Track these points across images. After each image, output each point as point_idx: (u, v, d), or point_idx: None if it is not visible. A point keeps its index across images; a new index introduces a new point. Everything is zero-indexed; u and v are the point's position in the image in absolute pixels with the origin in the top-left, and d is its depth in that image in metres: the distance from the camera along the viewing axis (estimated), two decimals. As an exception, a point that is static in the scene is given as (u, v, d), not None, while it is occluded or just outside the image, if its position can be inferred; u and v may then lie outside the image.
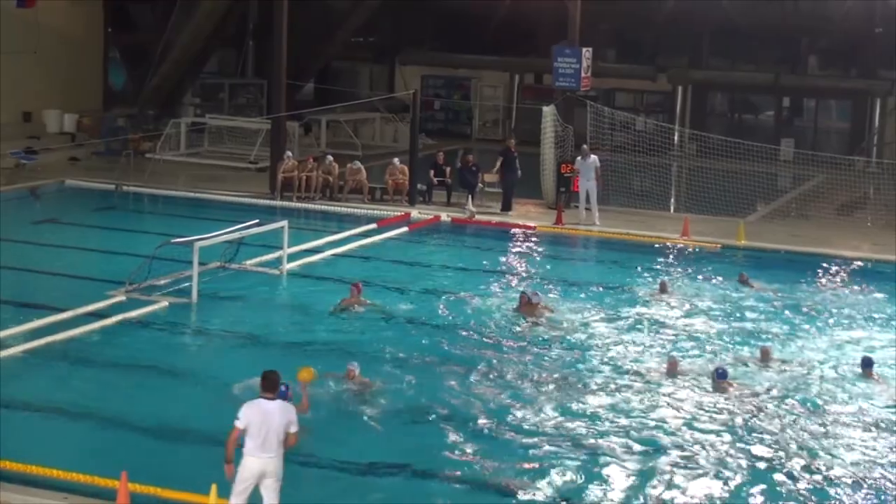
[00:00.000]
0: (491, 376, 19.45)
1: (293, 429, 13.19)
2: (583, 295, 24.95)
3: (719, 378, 19.10)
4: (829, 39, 46.89)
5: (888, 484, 15.80)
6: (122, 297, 22.89)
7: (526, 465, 15.92)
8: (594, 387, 19.23)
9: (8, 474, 14.56)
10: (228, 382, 18.24)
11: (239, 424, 13.11)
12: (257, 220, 26.16)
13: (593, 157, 32.47)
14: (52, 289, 23.83)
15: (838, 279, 27.64)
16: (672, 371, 19.72)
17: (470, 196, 33.06)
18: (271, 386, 13.32)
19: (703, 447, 16.77)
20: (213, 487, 13.40)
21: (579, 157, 32.60)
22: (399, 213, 32.35)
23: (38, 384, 18.49)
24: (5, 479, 14.43)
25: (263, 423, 13.07)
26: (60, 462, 14.77)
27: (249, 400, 13.45)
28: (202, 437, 16.13)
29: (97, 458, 15.24)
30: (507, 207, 33.39)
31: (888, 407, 18.75)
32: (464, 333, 21.85)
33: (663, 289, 25.25)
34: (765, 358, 20.73)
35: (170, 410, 17.38)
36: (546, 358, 20.65)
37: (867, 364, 20.06)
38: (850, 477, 15.94)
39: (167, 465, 15.36)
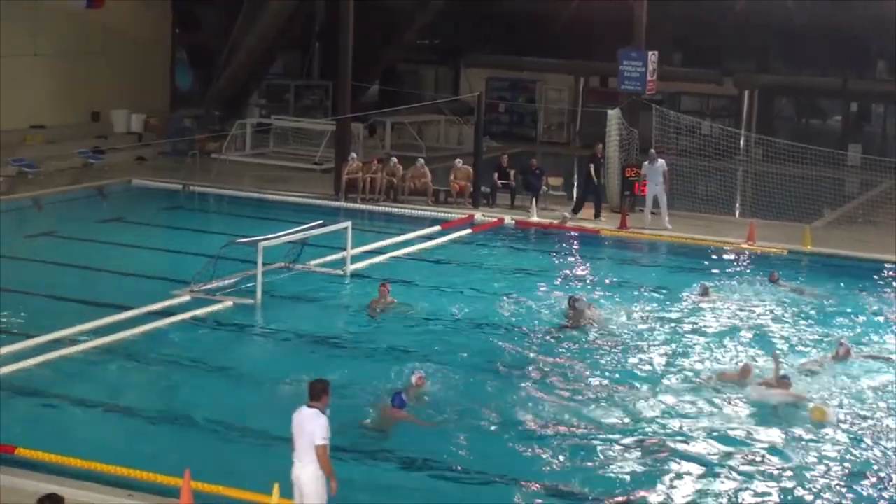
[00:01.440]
0: (550, 381, 19.39)
1: (317, 441, 12.92)
2: (640, 299, 24.87)
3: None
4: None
5: None
6: (186, 297, 23.05)
7: (598, 471, 15.89)
8: (648, 392, 19.18)
9: (73, 471, 14.69)
10: (290, 382, 18.31)
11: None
12: (321, 221, 26.24)
13: (661, 161, 32.27)
14: (118, 287, 24.03)
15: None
16: (745, 375, 19.54)
17: (534, 199, 32.99)
18: (314, 394, 13.18)
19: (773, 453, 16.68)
20: (276, 487, 13.44)
21: (646, 162, 32.40)
22: (463, 216, 32.34)
23: (103, 382, 18.66)
24: (71, 475, 14.55)
25: (297, 428, 13.08)
26: (124, 460, 14.90)
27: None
28: (265, 436, 16.21)
29: (161, 457, 15.35)
30: (597, 213, 33.15)
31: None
32: (525, 337, 21.82)
33: (704, 292, 25.20)
34: (844, 355, 20.83)
35: (232, 409, 17.48)
36: (595, 362, 20.60)
37: None
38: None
39: (230, 463, 15.46)
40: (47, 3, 38.83)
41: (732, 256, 29.40)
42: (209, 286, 23.52)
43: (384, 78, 49.96)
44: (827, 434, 17.48)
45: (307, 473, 13.01)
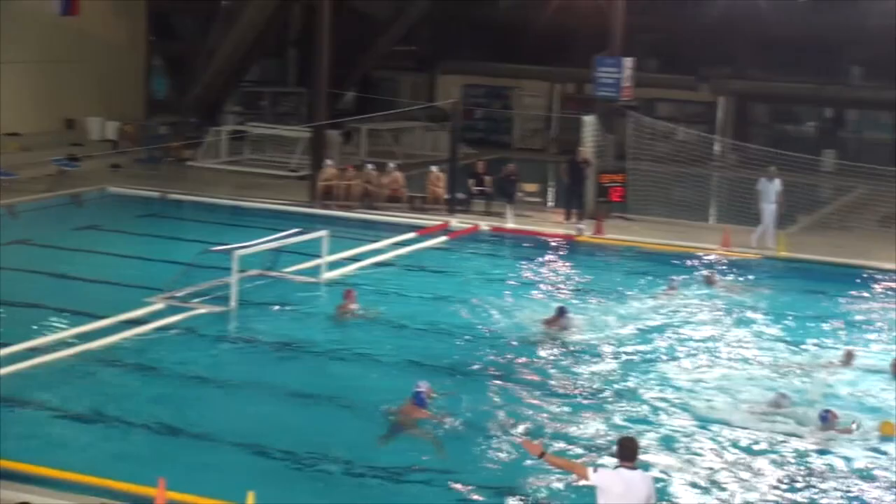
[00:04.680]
0: (535, 388, 19.39)
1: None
2: (616, 304, 24.96)
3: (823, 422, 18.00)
4: (872, 50, 46.53)
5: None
6: (161, 305, 22.99)
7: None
8: (616, 396, 19.27)
9: (44, 480, 14.62)
10: (264, 389, 18.28)
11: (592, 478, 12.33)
12: (299, 230, 26.23)
13: (777, 180, 31.51)
14: (93, 295, 23.98)
15: (877, 291, 27.50)
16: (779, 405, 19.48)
17: (509, 205, 33.05)
18: (630, 454, 12.29)
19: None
20: (251, 495, 13.42)
21: (764, 179, 31.65)
22: (438, 222, 32.36)
23: (76, 390, 18.56)
24: (42, 484, 14.49)
25: (626, 493, 12.10)
26: (97, 469, 14.83)
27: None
28: (240, 444, 16.18)
29: (135, 465, 15.29)
30: (579, 219, 33.23)
31: None
32: (504, 344, 21.81)
33: (671, 290, 25.59)
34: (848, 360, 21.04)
35: (206, 417, 17.43)
36: (576, 369, 20.61)
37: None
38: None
39: (204, 472, 15.40)
40: (23, 10, 38.75)
41: (704, 261, 29.44)
42: (184, 294, 23.47)
43: (360, 85, 50.01)
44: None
45: None
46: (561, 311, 22.88)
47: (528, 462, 15.80)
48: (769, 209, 31.00)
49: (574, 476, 13.79)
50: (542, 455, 12.72)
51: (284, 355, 20.86)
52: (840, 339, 22.77)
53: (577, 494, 14.77)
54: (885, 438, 17.54)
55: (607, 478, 12.13)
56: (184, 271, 23.63)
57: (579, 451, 16.65)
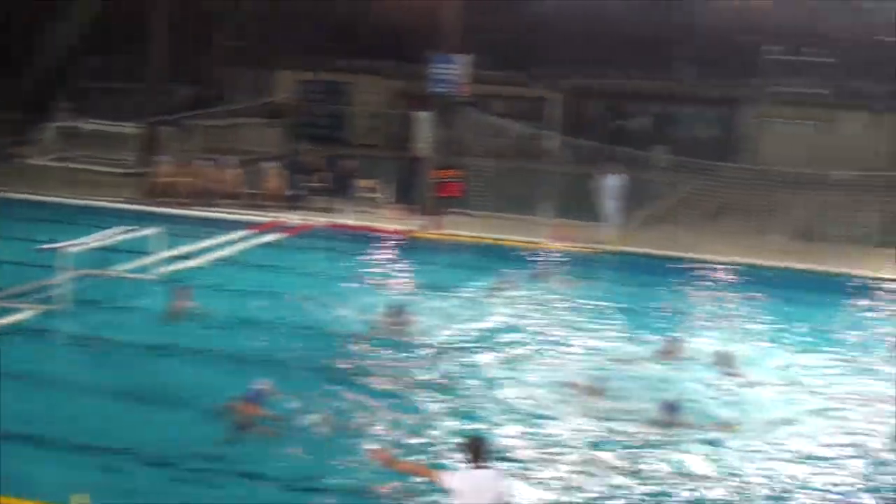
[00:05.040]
0: (372, 385, 19.37)
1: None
2: (451, 299, 25.10)
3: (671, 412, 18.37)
4: (701, 48, 47.62)
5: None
6: (-10, 305, 22.54)
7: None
8: (471, 391, 19.37)
9: None
10: (98, 389, 18.03)
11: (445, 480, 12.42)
12: (133, 227, 25.90)
13: (619, 175, 32.05)
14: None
15: (708, 283, 28.17)
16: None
17: (347, 201, 33.07)
18: (481, 454, 12.37)
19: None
20: (85, 498, 13.21)
21: (605, 175, 32.09)
22: (275, 219, 32.24)
23: None
24: None
25: (479, 493, 12.16)
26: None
27: None
28: (71, 446, 15.93)
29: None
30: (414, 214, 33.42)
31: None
32: (339, 341, 21.74)
33: (504, 284, 25.96)
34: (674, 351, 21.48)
35: (36, 418, 17.09)
36: (408, 365, 20.61)
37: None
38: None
39: (28, 474, 15.06)
40: None
41: (538, 256, 29.81)
42: (14, 293, 23.02)
43: (197, 80, 49.51)
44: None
45: None
46: (398, 307, 22.96)
47: (369, 459, 15.87)
48: (611, 205, 31.55)
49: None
50: (391, 463, 12.76)
51: (118, 354, 20.56)
52: (671, 331, 23.20)
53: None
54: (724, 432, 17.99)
55: (459, 479, 12.25)
56: (14, 271, 23.14)
57: (423, 448, 16.67)
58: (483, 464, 12.18)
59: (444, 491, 12.32)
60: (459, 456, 14.41)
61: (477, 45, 40.61)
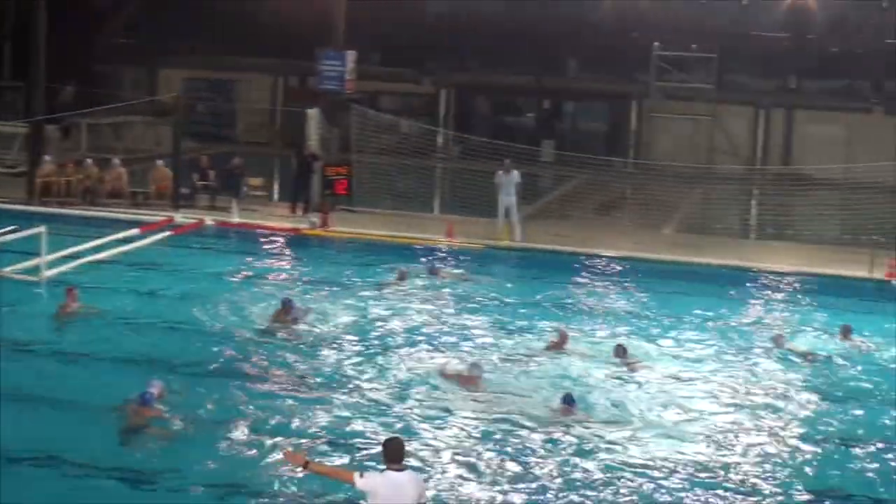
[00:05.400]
0: (253, 383, 19.23)
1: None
2: (344, 296, 25.02)
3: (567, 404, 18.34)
4: (590, 43, 48.06)
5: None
6: None
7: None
8: (371, 385, 19.32)
9: None
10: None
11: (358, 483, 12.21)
12: (15, 227, 25.47)
13: (515, 172, 31.93)
14: None
15: (597, 277, 28.41)
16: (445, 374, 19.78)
17: (235, 200, 32.82)
18: (396, 455, 12.20)
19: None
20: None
21: (500, 171, 32.04)
22: (162, 218, 31.90)
23: None
24: None
25: (394, 495, 12.03)
26: None
27: None
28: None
29: None
30: (306, 212, 33.26)
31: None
32: (231, 340, 21.61)
33: (402, 277, 26.15)
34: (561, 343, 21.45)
35: None
36: (301, 363, 20.53)
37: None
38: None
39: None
40: None
41: (429, 252, 29.80)
42: None
43: (80, 79, 48.81)
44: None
45: None
46: (288, 305, 22.81)
47: (270, 459, 15.82)
48: (508, 201, 31.64)
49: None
50: (305, 465, 12.68)
51: (5, 357, 20.17)
52: (563, 324, 23.31)
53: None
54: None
55: (373, 481, 12.14)
56: None
57: (320, 444, 16.65)
58: (399, 465, 12.14)
59: (359, 493, 12.25)
60: (338, 452, 14.50)
61: (367, 41, 40.66)
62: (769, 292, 27.76)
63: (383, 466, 12.24)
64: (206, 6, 47.73)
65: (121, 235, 29.73)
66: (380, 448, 12.51)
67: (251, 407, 18.01)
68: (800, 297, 27.42)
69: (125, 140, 44.32)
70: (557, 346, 21.53)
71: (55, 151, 37.64)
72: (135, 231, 30.35)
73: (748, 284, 28.15)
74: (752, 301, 26.79)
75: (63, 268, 26.08)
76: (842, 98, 46.41)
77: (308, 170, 33.75)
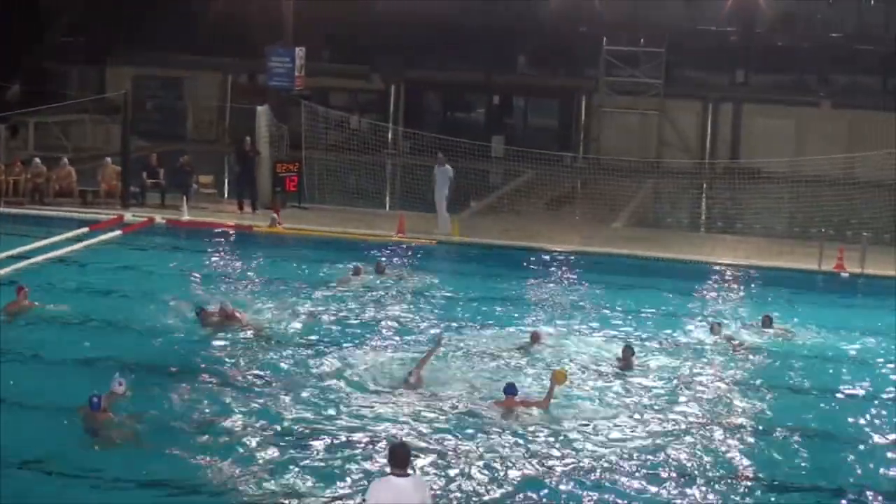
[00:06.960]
0: (206, 383, 19.19)
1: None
2: (294, 294, 24.95)
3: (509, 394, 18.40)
4: (538, 39, 48.27)
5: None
6: None
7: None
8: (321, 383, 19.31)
9: None
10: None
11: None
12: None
13: (448, 166, 32.04)
14: None
15: (547, 271, 28.53)
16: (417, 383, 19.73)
17: (185, 198, 32.72)
18: (401, 461, 12.12)
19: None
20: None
21: (436, 166, 32.16)
22: (112, 216, 31.77)
23: None
24: None
25: (396, 501, 11.92)
26: None
27: None
28: None
29: None
30: (254, 209, 33.35)
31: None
32: (181, 339, 21.56)
33: (357, 272, 26.20)
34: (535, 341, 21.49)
35: None
36: (252, 361, 20.46)
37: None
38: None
39: None
40: None
41: (378, 249, 29.77)
42: None
43: (27, 77, 48.51)
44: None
45: None
46: (224, 304, 22.60)
47: (230, 459, 15.82)
48: (442, 195, 31.63)
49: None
50: None
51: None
52: (515, 320, 23.39)
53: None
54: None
55: (375, 487, 12.08)
56: None
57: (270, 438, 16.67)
58: (402, 471, 12.11)
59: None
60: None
61: (316, 38, 40.64)
62: (718, 285, 27.96)
63: (387, 471, 12.21)
64: (154, 4, 47.51)
65: (70, 234, 29.60)
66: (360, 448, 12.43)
67: (203, 405, 18.00)
68: (750, 289, 27.61)
69: (74, 139, 44.04)
70: (529, 344, 21.59)
71: (2, 151, 37.48)
72: (84, 230, 30.20)
73: (698, 278, 28.30)
74: (700, 294, 26.95)
75: (12, 267, 25.93)
76: (790, 92, 46.71)
77: (250, 165, 33.69)
